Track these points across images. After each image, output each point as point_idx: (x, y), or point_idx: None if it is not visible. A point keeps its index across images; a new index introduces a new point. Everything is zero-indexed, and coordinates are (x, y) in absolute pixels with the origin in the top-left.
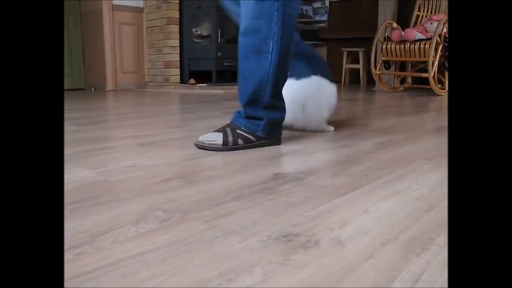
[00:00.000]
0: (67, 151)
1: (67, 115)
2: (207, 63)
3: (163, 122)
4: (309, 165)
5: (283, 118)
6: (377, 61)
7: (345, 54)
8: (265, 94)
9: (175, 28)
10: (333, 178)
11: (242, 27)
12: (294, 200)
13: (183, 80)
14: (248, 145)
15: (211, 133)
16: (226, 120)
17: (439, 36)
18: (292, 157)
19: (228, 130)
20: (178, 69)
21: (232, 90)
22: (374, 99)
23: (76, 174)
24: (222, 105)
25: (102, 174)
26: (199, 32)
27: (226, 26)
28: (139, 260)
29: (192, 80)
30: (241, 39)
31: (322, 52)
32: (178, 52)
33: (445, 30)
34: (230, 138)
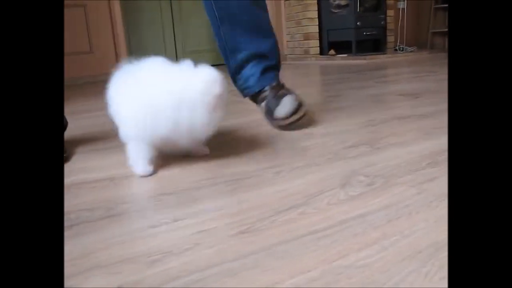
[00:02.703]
0: (233, 120)
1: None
2: (346, 33)
3: (318, 92)
4: None
5: None
6: None
7: None
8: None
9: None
10: None
11: None
12: None
13: (322, 52)
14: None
15: (288, 104)
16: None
17: None
18: None
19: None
20: (317, 41)
21: (374, 60)
22: None
23: None
24: (369, 74)
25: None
26: (337, 2)
27: None
28: (363, 221)
29: (332, 51)
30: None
31: None
32: (317, 23)
33: None
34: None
